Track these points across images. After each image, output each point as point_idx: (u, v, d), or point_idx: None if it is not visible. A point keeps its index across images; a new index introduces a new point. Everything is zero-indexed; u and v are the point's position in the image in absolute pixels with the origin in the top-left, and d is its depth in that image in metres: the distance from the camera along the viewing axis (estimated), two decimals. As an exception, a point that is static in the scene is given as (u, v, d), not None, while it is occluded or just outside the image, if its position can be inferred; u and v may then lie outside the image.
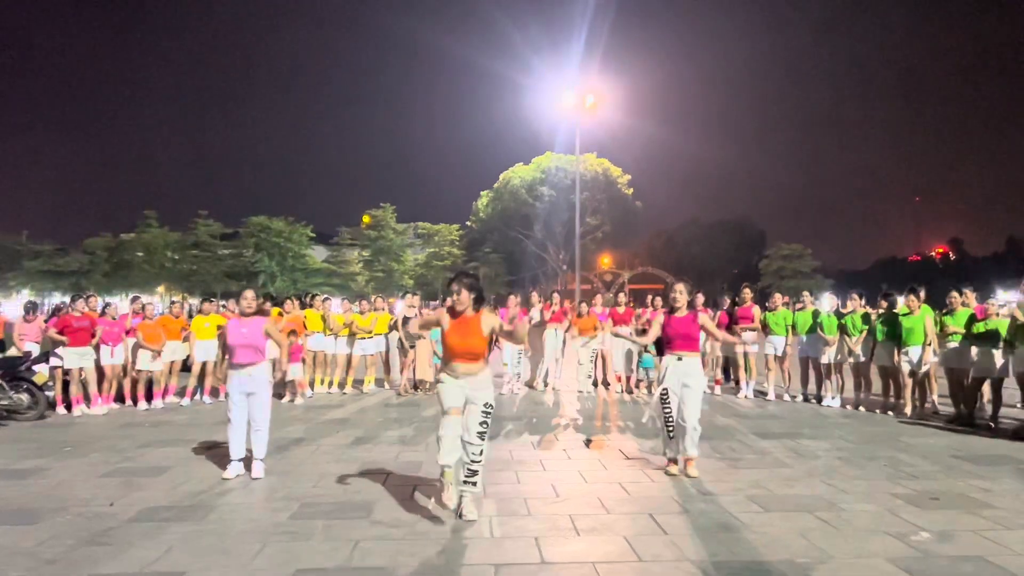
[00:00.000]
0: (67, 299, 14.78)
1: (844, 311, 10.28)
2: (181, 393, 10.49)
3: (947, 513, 5.03)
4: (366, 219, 48.96)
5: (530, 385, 12.08)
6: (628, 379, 11.54)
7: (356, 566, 4.09)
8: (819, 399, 10.25)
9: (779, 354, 10.79)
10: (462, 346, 4.84)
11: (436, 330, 5.07)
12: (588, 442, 7.57)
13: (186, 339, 10.52)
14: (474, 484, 4.89)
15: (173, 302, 11.81)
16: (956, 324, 8.88)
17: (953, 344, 8.90)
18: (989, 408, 8.68)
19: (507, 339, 5.24)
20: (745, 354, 11.04)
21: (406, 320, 11.44)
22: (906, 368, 9.08)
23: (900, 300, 10.07)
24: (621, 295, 12.31)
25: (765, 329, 10.95)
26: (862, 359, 9.78)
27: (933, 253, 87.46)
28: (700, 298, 11.61)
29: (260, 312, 6.45)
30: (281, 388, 10.78)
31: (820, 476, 6.08)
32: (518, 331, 5.10)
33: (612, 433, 8.16)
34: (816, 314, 10.51)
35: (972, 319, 8.74)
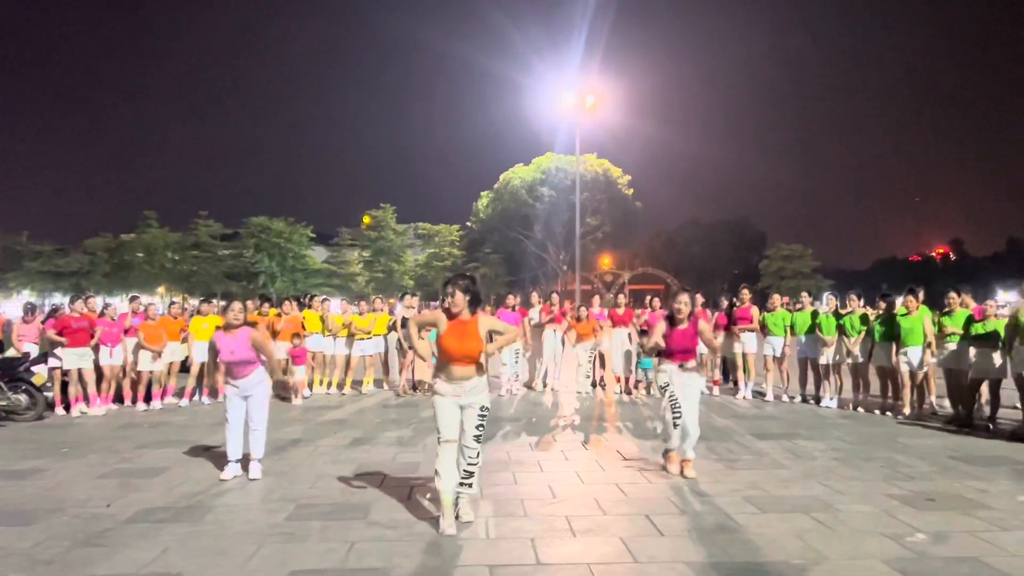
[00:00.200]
0: (66, 300, 14.78)
1: (843, 312, 10.27)
2: (180, 394, 10.50)
3: (943, 514, 5.03)
4: (366, 220, 48.98)
5: (529, 386, 12.08)
6: (627, 380, 11.54)
7: (352, 567, 4.09)
8: (817, 400, 10.25)
9: (777, 355, 10.79)
10: (459, 349, 4.79)
11: (433, 331, 5.04)
12: (585, 443, 7.57)
13: (185, 340, 10.53)
14: (470, 486, 4.88)
15: (173, 303, 11.82)
16: (954, 325, 8.87)
17: (951, 345, 8.90)
18: (987, 409, 8.67)
19: (501, 341, 5.20)
20: (744, 355, 11.04)
21: (405, 321, 11.45)
22: (905, 369, 9.08)
23: (899, 301, 10.08)
24: (620, 296, 12.31)
25: (764, 330, 10.95)
26: (860, 360, 9.78)
27: (933, 253, 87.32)
28: (699, 299, 11.61)
29: (247, 322, 6.37)
30: (283, 390, 10.81)
31: (817, 477, 6.08)
32: (510, 335, 5.14)
33: (610, 434, 8.16)
34: (815, 315, 10.51)
35: (970, 320, 8.74)
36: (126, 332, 10.06)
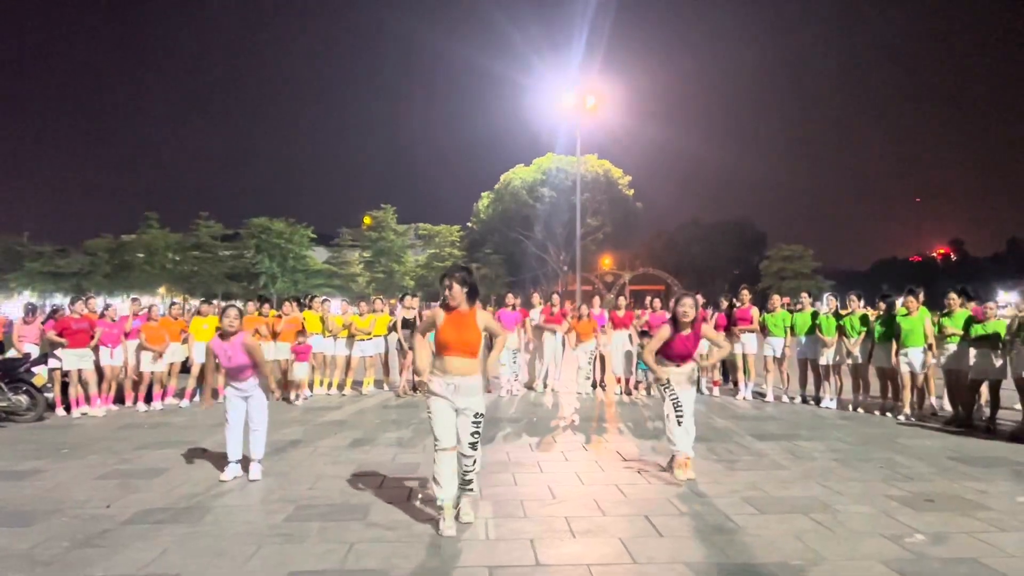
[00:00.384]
0: (67, 301, 14.79)
1: (843, 312, 10.27)
2: (180, 395, 10.51)
3: (941, 515, 5.03)
4: (367, 220, 49.06)
5: (530, 387, 12.09)
6: (627, 381, 11.54)
7: (351, 568, 4.10)
8: (817, 400, 10.25)
9: (778, 355, 10.79)
10: (457, 339, 4.74)
11: (432, 334, 5.00)
12: (586, 444, 7.57)
13: (185, 341, 10.54)
14: (470, 489, 4.88)
15: (173, 303, 11.83)
16: (954, 326, 8.87)
17: (952, 346, 8.90)
18: (987, 410, 8.67)
19: (497, 347, 5.16)
20: (744, 356, 11.04)
21: (405, 322, 11.46)
22: (905, 370, 9.07)
23: (899, 301, 10.08)
24: (621, 298, 12.31)
25: (764, 330, 10.95)
26: (860, 361, 9.78)
27: (934, 254, 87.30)
28: (700, 299, 11.61)
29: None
30: (284, 390, 10.82)
31: (816, 478, 6.08)
32: (501, 340, 5.13)
33: (610, 435, 8.16)
34: (815, 315, 10.50)
35: (970, 321, 8.74)
36: (127, 334, 10.07)
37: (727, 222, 64.98)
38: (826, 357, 10.06)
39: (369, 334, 11.77)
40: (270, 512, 5.15)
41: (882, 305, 9.97)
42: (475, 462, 4.82)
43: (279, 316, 11.31)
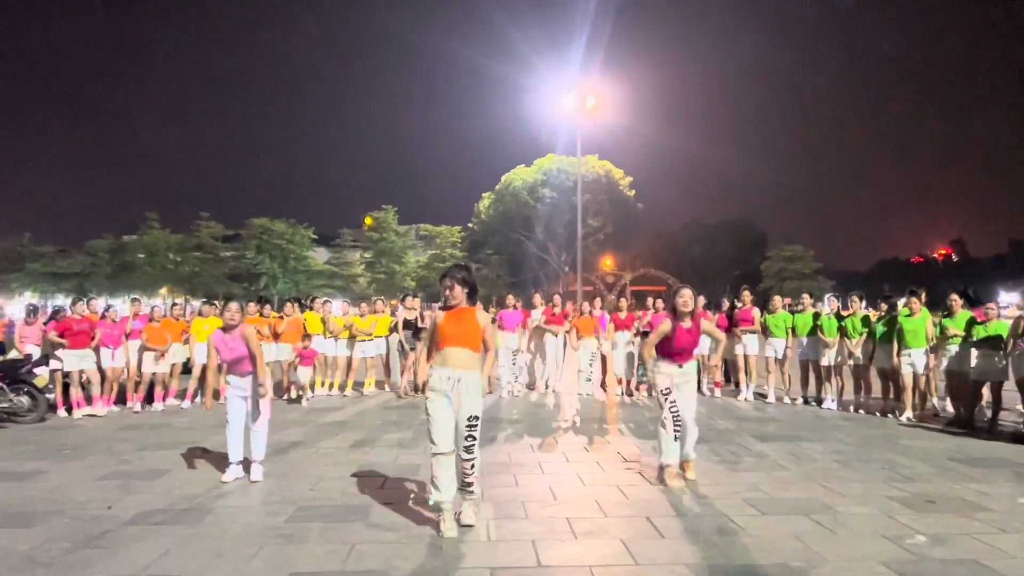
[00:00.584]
0: (68, 302, 14.81)
1: (845, 313, 10.26)
2: (181, 396, 10.52)
3: (942, 516, 5.02)
4: (368, 221, 49.15)
5: (531, 387, 12.09)
6: (628, 382, 11.53)
7: (352, 570, 4.10)
8: (819, 401, 10.24)
9: (779, 356, 10.78)
10: (456, 331, 4.75)
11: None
12: (587, 445, 7.57)
13: (186, 342, 10.55)
14: (471, 491, 4.86)
15: (175, 304, 11.85)
16: (956, 327, 8.86)
17: (953, 347, 8.89)
18: (989, 411, 8.66)
19: (491, 356, 5.12)
20: (745, 357, 11.04)
21: (407, 323, 11.46)
22: (907, 371, 9.06)
23: (900, 302, 10.07)
24: (623, 300, 12.31)
25: (765, 331, 10.95)
26: (862, 361, 9.78)
27: (935, 254, 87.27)
28: (701, 300, 11.62)
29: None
30: (287, 391, 10.83)
31: (817, 479, 6.07)
32: (492, 352, 5.10)
33: (611, 436, 8.16)
34: (816, 316, 10.50)
35: (972, 322, 8.73)
36: (128, 335, 10.07)
37: (728, 222, 65.00)
38: (827, 358, 10.05)
39: (370, 335, 11.78)
40: (271, 513, 5.15)
41: (884, 306, 9.97)
42: (473, 465, 4.78)
43: (281, 317, 11.32)
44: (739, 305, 11.49)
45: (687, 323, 6.04)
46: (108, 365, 9.84)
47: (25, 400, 9.03)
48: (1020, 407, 8.98)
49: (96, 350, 9.71)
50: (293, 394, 10.67)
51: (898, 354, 9.10)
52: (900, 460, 6.77)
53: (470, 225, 52.71)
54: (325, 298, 13.37)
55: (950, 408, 9.34)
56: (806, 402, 10.46)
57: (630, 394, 11.38)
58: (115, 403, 10.03)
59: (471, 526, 4.79)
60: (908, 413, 9.01)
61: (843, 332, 9.92)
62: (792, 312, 11.11)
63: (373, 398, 11.30)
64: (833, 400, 10.02)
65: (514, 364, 11.66)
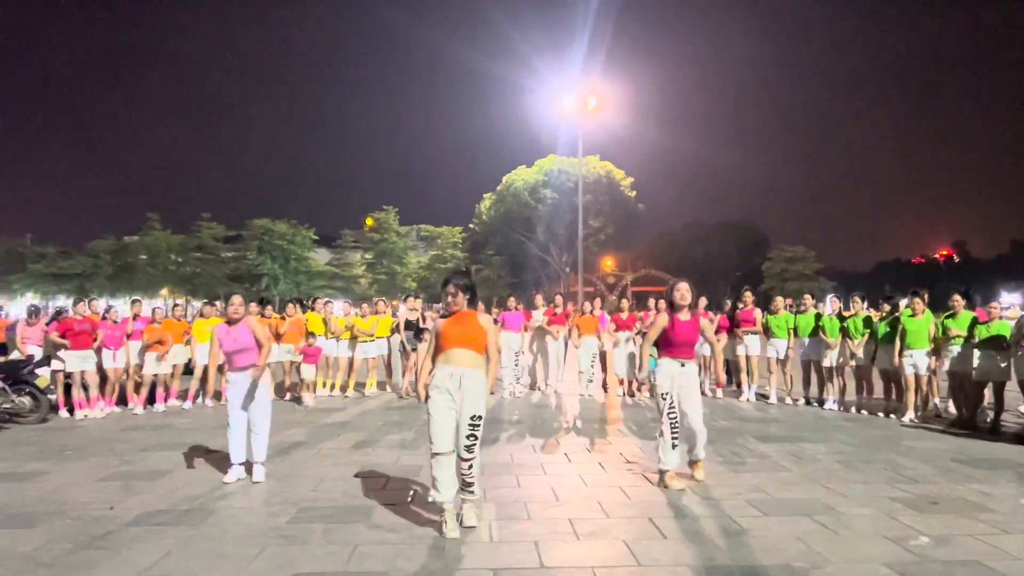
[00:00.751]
0: (70, 302, 14.83)
1: (846, 314, 10.25)
2: (183, 396, 10.52)
3: (945, 517, 5.01)
4: (369, 222, 49.23)
5: (533, 388, 12.08)
6: (630, 383, 11.53)
7: (354, 570, 4.09)
8: (820, 402, 10.23)
9: (781, 357, 10.77)
10: (458, 334, 4.75)
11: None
12: (589, 446, 7.57)
13: (188, 343, 10.55)
14: (471, 491, 4.84)
15: (176, 305, 11.85)
16: (958, 327, 8.85)
17: (955, 348, 8.88)
18: (991, 412, 8.65)
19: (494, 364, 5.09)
20: (747, 357, 11.03)
21: (408, 324, 11.46)
22: (909, 372, 9.05)
23: (902, 303, 10.06)
24: (624, 301, 12.30)
25: (767, 332, 10.94)
26: (863, 362, 9.77)
27: (937, 255, 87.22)
28: (703, 301, 11.61)
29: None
30: (288, 391, 10.83)
31: (819, 480, 6.06)
32: (495, 361, 5.01)
33: (613, 436, 8.16)
34: (818, 317, 10.49)
35: (974, 323, 8.72)
36: (129, 336, 10.08)
37: (729, 223, 64.98)
38: (829, 359, 10.04)
39: (372, 336, 11.78)
40: (273, 514, 5.15)
41: (886, 307, 9.95)
42: (472, 466, 4.74)
43: (282, 318, 11.32)
44: (741, 306, 11.48)
45: (685, 317, 6.02)
46: (109, 366, 9.84)
47: (27, 401, 9.04)
48: (1022, 408, 8.98)
49: (98, 351, 9.71)
50: (303, 396, 10.64)
51: (900, 355, 9.09)
52: (902, 461, 6.76)
53: (471, 226, 52.75)
54: (326, 299, 13.37)
55: (952, 409, 9.32)
56: (808, 403, 10.44)
57: (632, 395, 11.37)
58: (116, 404, 10.03)
59: (473, 527, 4.78)
60: (910, 414, 9.00)
61: (845, 333, 9.91)
62: (794, 313, 11.10)
63: (374, 399, 11.30)
64: (835, 401, 10.01)
65: (516, 365, 11.66)
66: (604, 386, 11.95)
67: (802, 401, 10.52)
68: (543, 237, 48.25)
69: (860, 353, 9.73)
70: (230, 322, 6.23)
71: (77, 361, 9.46)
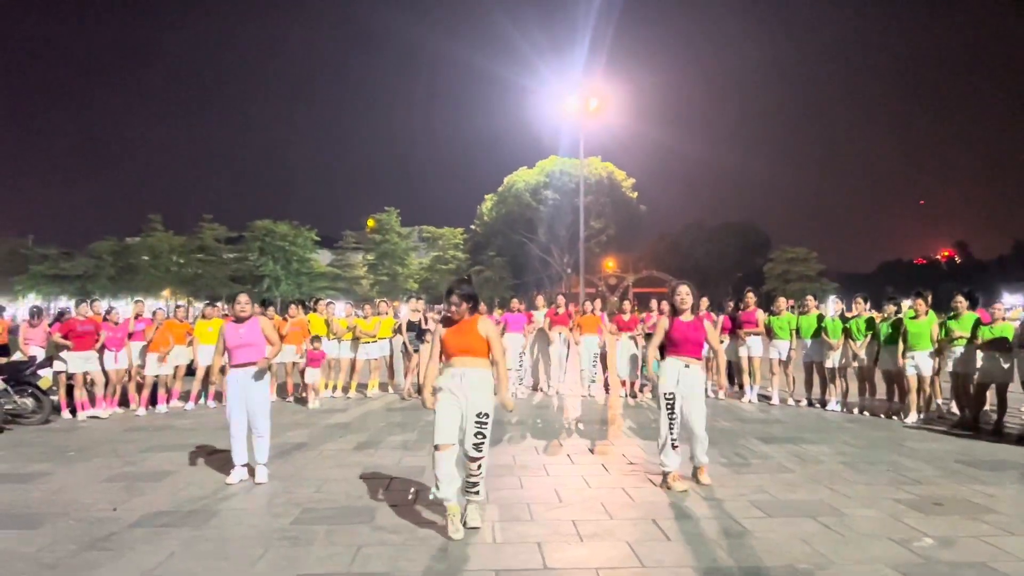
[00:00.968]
0: (72, 303, 14.84)
1: (849, 315, 10.23)
2: (185, 397, 10.52)
3: (950, 518, 5.00)
4: (371, 223, 49.24)
5: (535, 389, 12.08)
6: (632, 384, 11.52)
7: (357, 572, 4.09)
8: (823, 403, 10.21)
9: (783, 358, 10.76)
10: (458, 343, 4.77)
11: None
12: (591, 447, 7.56)
13: (190, 343, 10.55)
14: (476, 493, 4.84)
15: (178, 306, 11.85)
16: (961, 329, 8.83)
17: (958, 349, 8.86)
18: (994, 413, 8.63)
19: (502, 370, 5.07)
20: (749, 358, 11.01)
21: (410, 325, 11.45)
22: (912, 373, 9.03)
23: (905, 304, 10.04)
24: (626, 302, 12.29)
25: (769, 333, 10.93)
26: (866, 363, 9.75)
27: (938, 256, 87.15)
28: (704, 302, 11.59)
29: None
30: (287, 392, 10.83)
31: (823, 481, 6.05)
32: (501, 364, 5.01)
33: (615, 438, 8.15)
34: (820, 318, 10.47)
35: (978, 324, 8.70)
36: (130, 337, 10.08)
37: (731, 224, 64.93)
38: (832, 360, 10.03)
39: (374, 337, 11.78)
40: (276, 515, 5.15)
41: (890, 307, 9.93)
42: (480, 467, 4.74)
43: (284, 319, 11.33)
44: (743, 307, 11.47)
45: (687, 318, 6.01)
46: (111, 367, 9.84)
47: (29, 402, 9.04)
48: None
49: (100, 352, 9.71)
50: (307, 398, 10.62)
51: (903, 356, 9.08)
52: (906, 462, 6.75)
53: (472, 227, 52.78)
54: (328, 300, 13.38)
55: (955, 410, 9.30)
56: (810, 404, 10.43)
57: (634, 396, 11.36)
58: (118, 405, 10.03)
59: (477, 528, 4.78)
60: (913, 415, 8.98)
61: (847, 334, 9.89)
62: (797, 314, 11.09)
63: (377, 400, 11.29)
64: (837, 402, 10.00)
65: (520, 367, 11.66)
66: (606, 386, 11.94)
67: (804, 402, 10.51)
68: (544, 238, 48.26)
69: (862, 354, 9.72)
70: (238, 320, 6.25)
71: (80, 362, 9.46)
